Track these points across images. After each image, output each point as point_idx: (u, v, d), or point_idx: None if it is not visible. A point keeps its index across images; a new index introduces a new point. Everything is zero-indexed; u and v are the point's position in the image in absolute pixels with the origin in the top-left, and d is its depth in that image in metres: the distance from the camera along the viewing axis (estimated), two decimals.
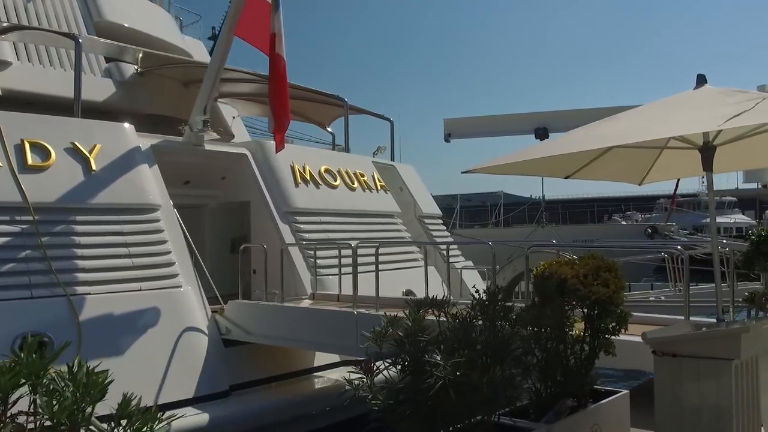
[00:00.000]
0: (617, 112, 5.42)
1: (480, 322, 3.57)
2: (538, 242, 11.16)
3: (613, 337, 4.51)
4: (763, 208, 55.68)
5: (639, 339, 4.39)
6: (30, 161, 8.22)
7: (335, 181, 11.99)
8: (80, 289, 7.84)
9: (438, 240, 13.53)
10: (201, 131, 10.17)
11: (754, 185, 56.41)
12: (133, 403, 2.22)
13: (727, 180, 59.73)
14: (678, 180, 24.05)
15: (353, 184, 12.32)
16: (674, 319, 6.17)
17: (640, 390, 5.56)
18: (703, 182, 39.64)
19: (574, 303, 4.35)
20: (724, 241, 14.18)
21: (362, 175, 12.69)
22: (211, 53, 23.84)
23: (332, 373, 9.50)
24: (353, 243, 8.72)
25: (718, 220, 36.28)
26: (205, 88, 9.98)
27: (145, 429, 2.17)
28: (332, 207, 11.56)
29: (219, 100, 15.47)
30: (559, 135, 10.94)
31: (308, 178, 11.45)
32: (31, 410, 2.17)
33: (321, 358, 9.49)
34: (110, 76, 13.58)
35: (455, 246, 13.66)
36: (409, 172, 14.66)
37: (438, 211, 14.85)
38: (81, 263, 8.04)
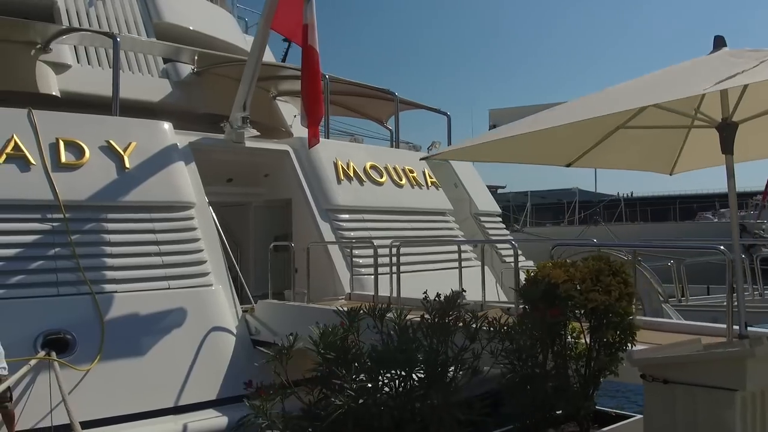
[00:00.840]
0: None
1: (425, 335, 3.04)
2: (562, 241, 10.26)
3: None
4: None
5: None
6: (63, 159, 8.30)
7: (381, 177, 11.59)
8: (108, 287, 7.83)
9: (495, 239, 12.87)
10: (240, 128, 10.08)
11: None
12: None
13: None
14: None
15: (401, 180, 11.88)
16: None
17: None
18: None
19: (572, 312, 3.74)
20: None
21: (411, 171, 12.22)
22: (285, 56, 24.09)
23: None
24: (395, 242, 8.31)
25: None
26: (244, 85, 9.88)
27: None
28: (377, 204, 11.16)
29: (278, 98, 15.44)
30: None
31: (351, 174, 11.12)
32: None
33: None
34: (167, 77, 13.76)
35: (505, 246, 12.87)
36: (465, 168, 14.02)
37: (496, 209, 14.16)
38: (109, 261, 8.03)
